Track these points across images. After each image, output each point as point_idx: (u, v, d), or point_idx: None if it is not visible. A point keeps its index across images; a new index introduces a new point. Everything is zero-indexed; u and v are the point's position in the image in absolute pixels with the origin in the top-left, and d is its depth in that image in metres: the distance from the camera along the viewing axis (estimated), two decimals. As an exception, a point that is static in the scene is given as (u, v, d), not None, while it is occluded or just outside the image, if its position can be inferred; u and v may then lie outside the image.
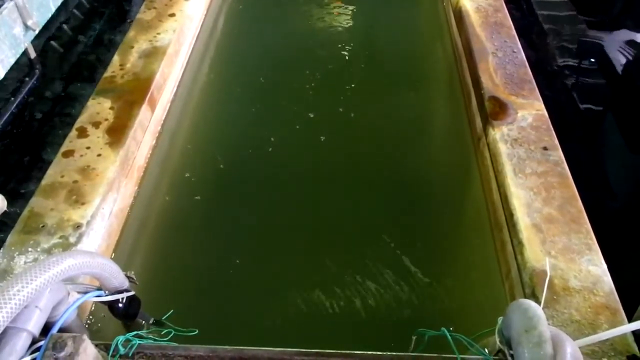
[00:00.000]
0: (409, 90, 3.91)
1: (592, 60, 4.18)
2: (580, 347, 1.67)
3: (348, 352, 1.82)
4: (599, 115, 3.98)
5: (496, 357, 1.78)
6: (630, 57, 4.26)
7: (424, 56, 4.35)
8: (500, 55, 3.46)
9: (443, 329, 1.79)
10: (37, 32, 3.21)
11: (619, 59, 4.28)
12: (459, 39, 4.01)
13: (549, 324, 1.70)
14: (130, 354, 1.81)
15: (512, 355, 1.69)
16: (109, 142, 2.86)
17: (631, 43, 4.45)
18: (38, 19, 3.21)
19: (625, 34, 4.52)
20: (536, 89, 3.18)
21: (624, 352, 1.93)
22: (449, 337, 1.77)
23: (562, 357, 1.55)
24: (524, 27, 4.07)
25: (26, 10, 3.06)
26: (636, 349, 1.94)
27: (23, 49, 3.14)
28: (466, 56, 3.71)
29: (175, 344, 1.90)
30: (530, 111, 3.02)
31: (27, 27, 3.11)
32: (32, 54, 3.41)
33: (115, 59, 3.45)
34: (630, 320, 2.00)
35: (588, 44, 4.49)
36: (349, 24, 4.64)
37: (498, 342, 1.77)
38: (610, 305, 2.10)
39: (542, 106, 3.06)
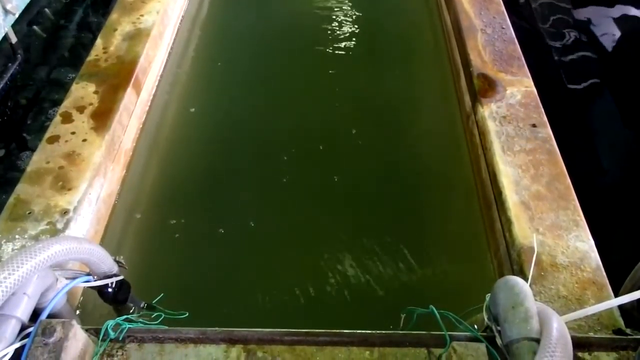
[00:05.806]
0: (397, 68, 3.87)
1: (614, 34, 4.14)
2: (566, 322, 1.68)
3: (337, 331, 1.83)
4: (590, 91, 3.97)
5: (484, 334, 1.80)
6: (624, 32, 4.25)
7: (412, 33, 4.31)
8: (489, 32, 3.42)
9: (431, 306, 1.80)
10: (16, 16, 3.15)
11: (613, 34, 4.26)
12: (447, 16, 3.97)
13: (536, 300, 1.72)
14: (120, 338, 1.81)
15: (499, 332, 1.71)
16: (94, 126, 2.82)
17: (625, 18, 4.44)
18: (17, 3, 3.15)
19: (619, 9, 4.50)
20: (525, 65, 3.16)
21: (609, 327, 1.95)
22: (437, 315, 1.78)
23: (548, 331, 1.56)
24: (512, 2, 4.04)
25: (5, -6, 2.99)
26: (622, 323, 1.97)
27: (3, 34, 3.08)
28: (455, 33, 3.67)
29: (166, 327, 1.90)
30: (519, 88, 3.01)
31: (6, 12, 3.05)
32: (13, 39, 3.34)
33: (99, 42, 3.38)
34: (616, 295, 2.03)
35: (582, 19, 4.47)
36: (336, 3, 4.57)
37: (486, 319, 1.79)
38: (597, 280, 2.12)
39: (531, 83, 3.04)
